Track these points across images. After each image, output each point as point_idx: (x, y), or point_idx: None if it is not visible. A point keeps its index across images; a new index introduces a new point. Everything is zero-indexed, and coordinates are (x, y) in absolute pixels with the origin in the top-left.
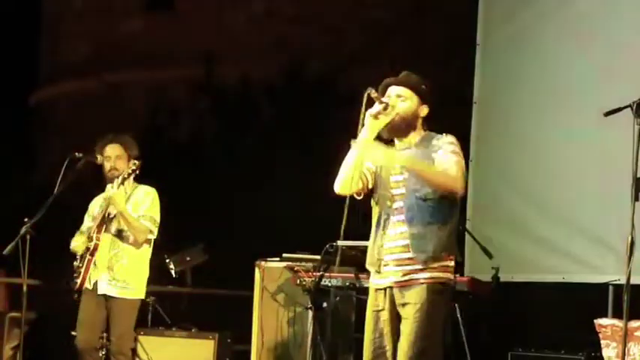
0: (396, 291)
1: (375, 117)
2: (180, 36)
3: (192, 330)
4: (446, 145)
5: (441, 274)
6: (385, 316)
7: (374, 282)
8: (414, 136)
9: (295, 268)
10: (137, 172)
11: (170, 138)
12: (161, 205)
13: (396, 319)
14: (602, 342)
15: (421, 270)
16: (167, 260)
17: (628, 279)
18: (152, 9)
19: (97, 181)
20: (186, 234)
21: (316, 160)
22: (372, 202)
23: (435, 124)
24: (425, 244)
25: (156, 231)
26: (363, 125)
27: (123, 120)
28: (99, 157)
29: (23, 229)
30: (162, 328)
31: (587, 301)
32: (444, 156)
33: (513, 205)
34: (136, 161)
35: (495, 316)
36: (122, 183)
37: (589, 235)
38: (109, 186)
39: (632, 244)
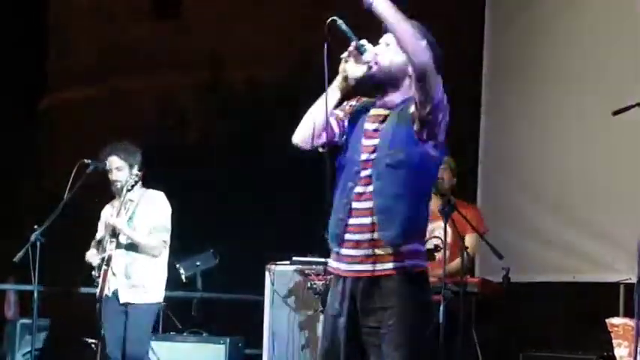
0: (358, 286)
1: (347, 61)
2: (187, 40)
3: (203, 335)
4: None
5: (413, 262)
6: (343, 323)
7: (333, 265)
8: (399, 98)
9: (306, 272)
10: (139, 182)
11: (178, 142)
12: (171, 209)
13: (357, 326)
14: (613, 341)
15: (390, 255)
16: (177, 265)
17: (639, 278)
18: (158, 14)
19: (106, 186)
20: (196, 238)
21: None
22: (337, 164)
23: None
24: (392, 220)
25: (169, 238)
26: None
27: (131, 125)
28: (107, 163)
29: (33, 236)
30: (173, 333)
31: (599, 300)
32: None
33: (523, 205)
34: (137, 172)
35: (507, 317)
36: (124, 200)
37: (600, 234)
38: (111, 205)
39: None
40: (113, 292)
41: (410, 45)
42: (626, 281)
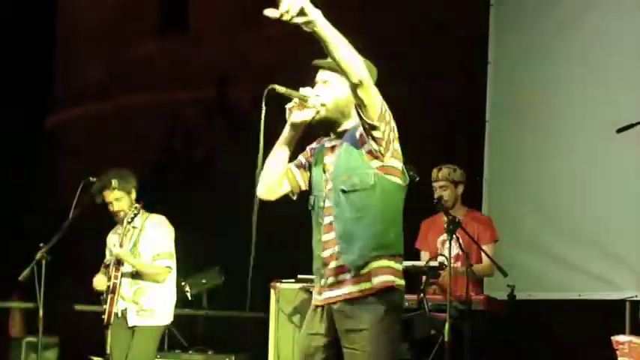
0: (335, 311)
1: (293, 111)
2: (194, 58)
3: (209, 352)
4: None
5: (379, 279)
6: (320, 341)
7: (314, 298)
8: (349, 124)
9: (311, 289)
10: (138, 213)
11: (184, 160)
12: (176, 228)
13: (332, 347)
14: (619, 359)
15: (356, 278)
16: (183, 283)
17: None
18: (165, 32)
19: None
20: (202, 256)
21: None
22: (309, 207)
23: (449, 143)
24: (353, 243)
25: (173, 263)
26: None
27: (137, 142)
28: (113, 182)
29: (38, 254)
30: (178, 351)
31: (604, 318)
32: None
33: (528, 223)
34: (136, 204)
35: (512, 335)
36: (127, 229)
37: (605, 251)
38: (114, 232)
39: None
40: (122, 312)
41: (348, 60)
42: (632, 299)
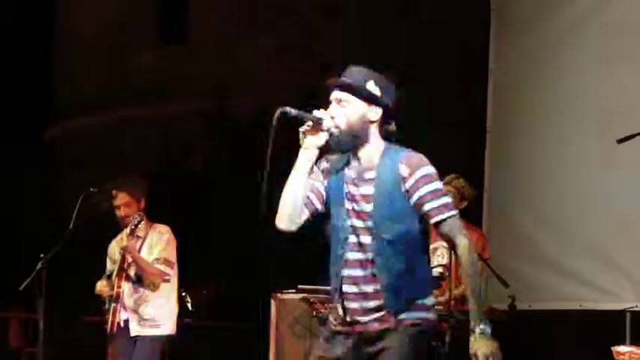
0: (366, 337)
1: (307, 134)
2: (193, 69)
3: None
4: (426, 186)
5: (413, 315)
6: None
7: (332, 322)
8: (374, 151)
9: (311, 300)
10: (142, 220)
11: (184, 171)
12: (176, 239)
13: None
14: None
15: (390, 317)
16: (184, 294)
17: None
18: (164, 43)
19: (113, 215)
20: (203, 267)
21: None
22: (325, 231)
23: (451, 153)
24: (398, 295)
25: (171, 271)
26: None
27: (137, 154)
28: (114, 192)
29: (39, 265)
30: None
31: (605, 328)
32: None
33: (529, 233)
34: (140, 212)
35: (513, 345)
36: (132, 234)
37: (606, 262)
38: (116, 241)
39: None
40: (124, 321)
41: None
42: (633, 309)
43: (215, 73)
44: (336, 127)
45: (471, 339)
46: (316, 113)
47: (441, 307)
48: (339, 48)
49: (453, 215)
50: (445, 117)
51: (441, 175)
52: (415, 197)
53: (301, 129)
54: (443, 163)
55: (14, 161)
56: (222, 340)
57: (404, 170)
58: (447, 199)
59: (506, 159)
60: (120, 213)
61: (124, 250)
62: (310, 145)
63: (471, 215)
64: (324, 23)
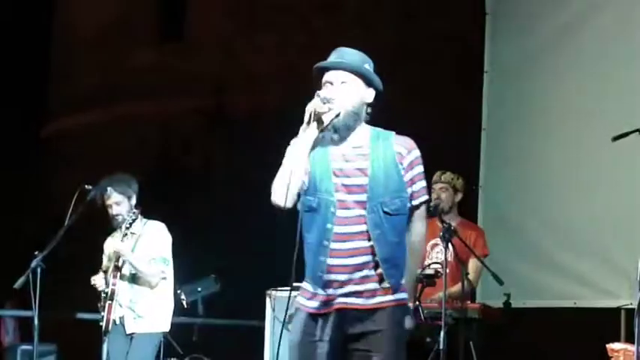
0: (349, 317)
1: (314, 115)
2: (191, 67)
3: None
4: (418, 167)
5: (402, 295)
6: (324, 348)
7: (310, 305)
8: (362, 131)
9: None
10: (137, 219)
11: (181, 168)
12: (173, 236)
13: (336, 353)
14: None
15: (386, 291)
16: (178, 291)
17: (639, 303)
18: (163, 40)
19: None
20: (198, 264)
21: None
22: (300, 206)
23: (447, 151)
24: (396, 267)
25: (168, 270)
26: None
27: (134, 151)
28: (109, 189)
29: (34, 262)
30: (174, 359)
31: (599, 325)
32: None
33: (524, 231)
34: (134, 210)
35: (507, 343)
36: (126, 232)
37: (600, 259)
38: (112, 237)
39: None
40: (120, 319)
41: None
42: (627, 307)
43: (214, 71)
44: (341, 106)
45: None
46: (323, 93)
47: (435, 305)
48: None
49: (428, 200)
50: (441, 116)
51: (432, 172)
52: (408, 176)
53: (309, 107)
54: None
55: (10, 158)
56: (217, 337)
57: (400, 148)
58: (425, 184)
59: (502, 157)
60: (112, 212)
61: (119, 254)
62: (315, 123)
63: (466, 214)
64: (323, 22)
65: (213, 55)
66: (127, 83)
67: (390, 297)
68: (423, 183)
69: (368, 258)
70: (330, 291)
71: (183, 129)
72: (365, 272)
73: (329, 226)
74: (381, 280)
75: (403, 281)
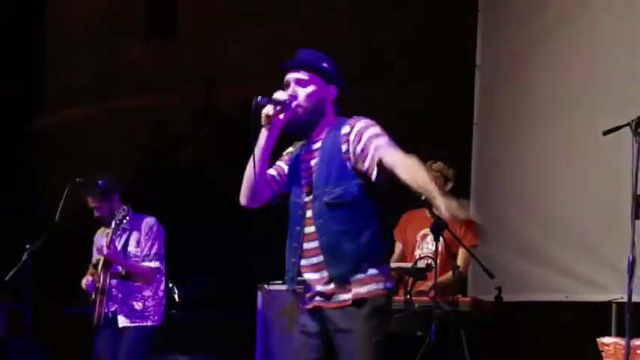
0: (324, 315)
1: (271, 117)
2: (182, 62)
3: (196, 355)
4: (368, 131)
5: (368, 288)
6: (314, 341)
7: (301, 301)
8: (325, 127)
9: (298, 291)
10: (127, 216)
11: (172, 163)
12: (164, 232)
13: (326, 347)
14: None
15: (341, 288)
16: (170, 285)
17: (629, 297)
18: (154, 35)
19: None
20: (190, 259)
21: None
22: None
23: (438, 145)
24: (337, 257)
25: (162, 265)
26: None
27: (125, 146)
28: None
29: (25, 255)
30: (166, 354)
31: (590, 319)
32: (387, 149)
33: (515, 225)
34: (124, 207)
35: (499, 337)
36: (116, 229)
37: (592, 253)
38: (102, 231)
39: (633, 262)
40: (112, 312)
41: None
42: (618, 300)
43: (204, 66)
44: (299, 105)
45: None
46: (278, 95)
47: (426, 299)
48: (328, 42)
49: (394, 146)
50: (433, 109)
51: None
52: (360, 146)
53: (263, 111)
54: (430, 154)
55: (3, 153)
56: (210, 332)
57: (345, 129)
58: (387, 138)
59: (493, 152)
60: (96, 213)
61: (108, 259)
62: (271, 124)
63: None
64: (315, 17)
65: (204, 51)
66: (118, 78)
67: (349, 295)
68: (380, 140)
69: (321, 257)
70: (308, 290)
71: (173, 124)
72: (322, 273)
73: (298, 228)
74: (332, 279)
75: (359, 276)
